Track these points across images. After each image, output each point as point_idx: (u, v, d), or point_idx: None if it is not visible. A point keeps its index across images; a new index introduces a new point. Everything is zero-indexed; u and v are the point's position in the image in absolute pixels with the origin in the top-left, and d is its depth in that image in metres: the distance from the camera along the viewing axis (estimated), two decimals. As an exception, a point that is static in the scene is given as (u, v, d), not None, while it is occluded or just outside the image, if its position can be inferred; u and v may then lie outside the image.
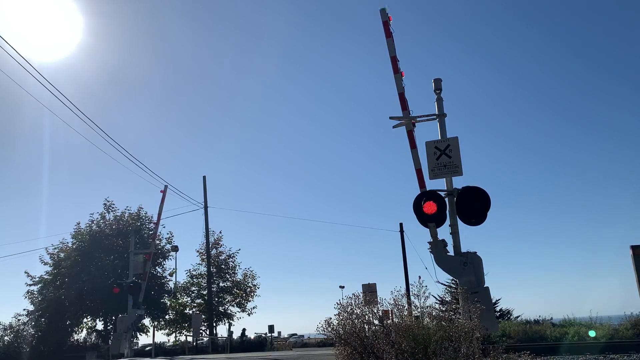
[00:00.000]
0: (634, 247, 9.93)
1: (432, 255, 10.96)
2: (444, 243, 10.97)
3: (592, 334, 20.90)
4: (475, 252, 11.00)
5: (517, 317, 34.45)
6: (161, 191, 29.71)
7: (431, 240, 10.96)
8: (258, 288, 42.14)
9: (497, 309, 39.63)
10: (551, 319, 28.18)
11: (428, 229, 11.32)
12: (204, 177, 39.77)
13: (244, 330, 41.88)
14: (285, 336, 56.06)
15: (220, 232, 42.36)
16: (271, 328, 43.06)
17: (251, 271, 42.16)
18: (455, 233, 11.03)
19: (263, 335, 41.98)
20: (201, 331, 37.65)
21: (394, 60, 11.29)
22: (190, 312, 39.80)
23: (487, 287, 10.68)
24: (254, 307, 41.84)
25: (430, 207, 10.98)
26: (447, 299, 11.09)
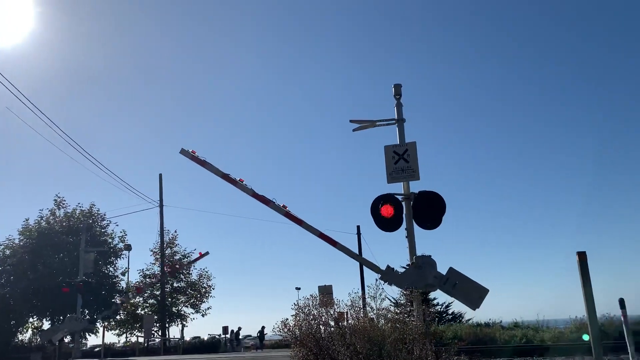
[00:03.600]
0: (579, 254, 10.36)
1: (389, 284, 11.25)
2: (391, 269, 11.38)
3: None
4: (430, 256, 11.23)
5: (469, 320, 35.16)
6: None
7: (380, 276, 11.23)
8: (213, 289, 41.67)
9: (449, 312, 40.44)
10: (501, 322, 28.95)
11: (385, 232, 11.52)
12: (160, 175, 39.11)
13: (239, 329, 41.54)
14: (240, 337, 55.54)
15: (176, 232, 41.64)
16: (225, 329, 42.60)
17: (206, 272, 41.61)
18: (410, 236, 11.23)
19: (217, 336, 41.48)
20: (153, 332, 36.89)
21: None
22: (142, 312, 38.95)
23: (451, 267, 10.96)
24: (208, 308, 41.35)
25: (387, 211, 11.15)
26: (402, 302, 11.20)
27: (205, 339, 40.90)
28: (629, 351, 9.46)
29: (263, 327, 40.94)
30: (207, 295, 41.33)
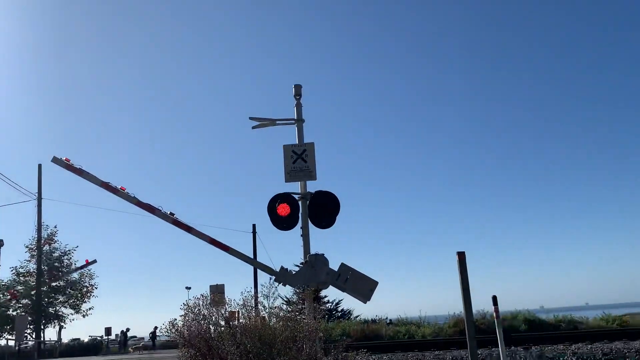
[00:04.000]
0: (459, 253, 11.00)
1: (284, 284, 11.25)
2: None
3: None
4: (323, 254, 11.43)
5: (357, 317, 36.38)
6: None
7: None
8: (96, 288, 39.34)
9: (339, 309, 41.55)
10: (387, 318, 30.23)
11: (282, 231, 11.55)
12: (39, 166, 36.13)
13: (127, 330, 39.21)
14: (127, 338, 52.94)
15: (56, 227, 38.74)
16: (108, 330, 40.39)
17: (89, 270, 39.19)
18: (305, 235, 11.37)
19: (98, 338, 39.20)
20: (26, 334, 34.01)
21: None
22: (14, 313, 35.80)
23: (342, 263, 11.19)
24: (90, 309, 38.99)
25: (283, 210, 11.21)
26: (294, 300, 11.29)
27: (86, 341, 38.52)
28: (499, 344, 10.26)
29: (155, 328, 39.46)
30: (88, 295, 38.94)
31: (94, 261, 34.79)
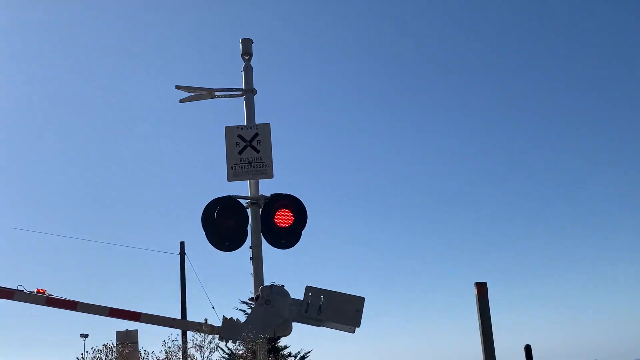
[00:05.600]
0: (479, 285, 8.00)
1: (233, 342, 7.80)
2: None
3: None
4: (283, 286, 8.07)
5: None
6: None
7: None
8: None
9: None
10: None
11: (223, 251, 8.20)
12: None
13: None
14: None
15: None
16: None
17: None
18: (257, 258, 8.02)
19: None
20: None
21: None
22: None
23: (307, 286, 7.87)
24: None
25: (226, 221, 7.92)
26: (240, 352, 8.47)
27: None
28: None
29: None
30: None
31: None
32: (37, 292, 7.92)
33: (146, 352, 7.60)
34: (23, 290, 7.79)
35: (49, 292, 8.11)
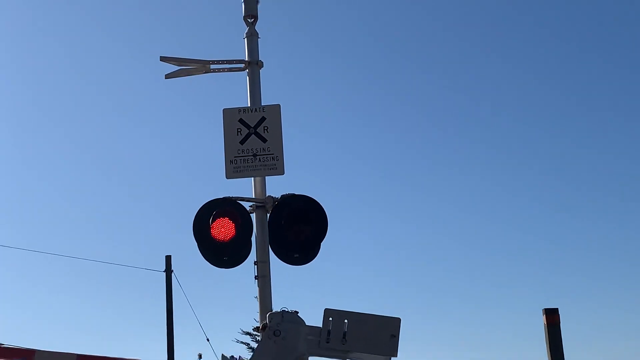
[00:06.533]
0: (548, 312, 6.48)
1: None
2: None
3: None
4: (297, 312, 6.53)
5: None
6: None
7: None
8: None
9: None
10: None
11: (219, 268, 6.78)
12: None
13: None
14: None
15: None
16: None
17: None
18: (264, 277, 6.51)
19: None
20: None
21: None
22: None
23: (326, 309, 6.33)
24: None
25: (224, 229, 6.43)
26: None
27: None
28: None
29: None
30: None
31: None
32: None
33: None
34: None
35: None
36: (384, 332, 6.31)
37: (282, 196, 6.55)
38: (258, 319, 6.77)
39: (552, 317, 6.40)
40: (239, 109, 6.39)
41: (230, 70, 6.57)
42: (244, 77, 6.55)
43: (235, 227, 6.30)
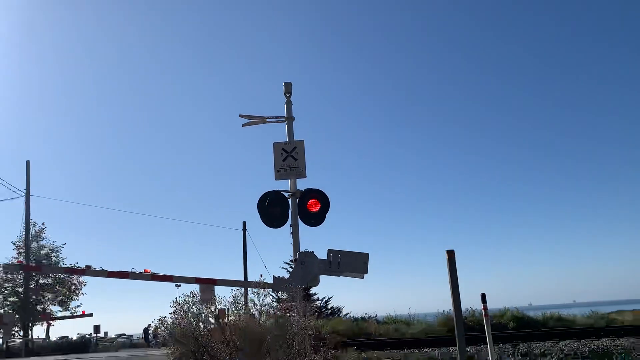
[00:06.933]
0: (448, 252, 11.02)
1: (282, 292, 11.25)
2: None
3: None
4: (313, 252, 11.43)
5: (347, 314, 36.32)
6: None
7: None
8: (84, 285, 39.05)
9: (329, 307, 41.48)
10: (376, 316, 30.19)
11: (272, 228, 11.57)
12: (27, 162, 35.82)
13: (148, 325, 38.81)
14: (113, 337, 52.70)
15: (43, 224, 38.43)
16: (97, 328, 40.14)
17: (77, 267, 38.87)
18: (295, 233, 11.36)
19: (87, 336, 38.93)
20: (14, 332, 33.74)
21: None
22: (2, 311, 35.48)
23: (329, 249, 11.19)
24: (78, 306, 38.74)
25: (274, 207, 11.23)
26: (284, 297, 11.21)
27: (74, 338, 38.26)
28: (487, 342, 10.32)
29: (149, 325, 39.23)
30: (77, 292, 38.67)
31: (90, 315, 35.12)
32: (145, 272, 11.81)
33: (220, 297, 11.02)
34: (135, 271, 11.65)
35: (152, 270, 12.00)
36: (360, 260, 11.16)
37: (305, 189, 11.39)
38: (292, 255, 11.61)
39: (451, 254, 10.88)
40: (282, 143, 11.26)
41: (277, 121, 11.52)
42: (284, 126, 11.48)
43: (280, 205, 11.24)
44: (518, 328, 22.44)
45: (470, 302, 22.36)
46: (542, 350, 14.25)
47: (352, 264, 10.69)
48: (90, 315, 35.70)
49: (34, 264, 36.36)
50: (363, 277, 10.91)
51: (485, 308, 10.68)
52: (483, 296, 10.97)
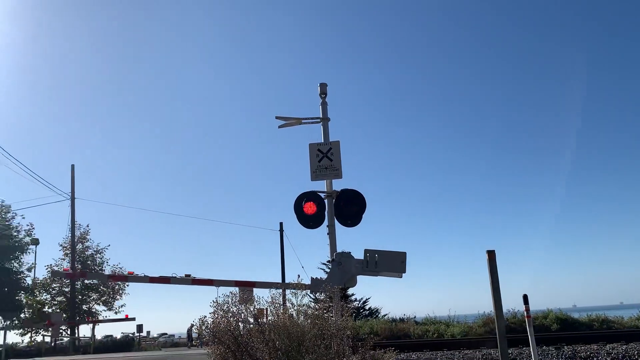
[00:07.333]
0: (489, 252, 10.86)
1: (320, 293, 11.25)
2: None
3: None
4: (350, 253, 11.41)
5: (384, 315, 36.19)
6: None
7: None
8: (127, 286, 40.13)
9: (367, 307, 41.42)
10: (414, 317, 29.96)
11: (308, 229, 11.60)
12: (72, 166, 37.05)
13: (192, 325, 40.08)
14: (155, 336, 53.95)
15: (88, 226, 39.73)
16: (139, 327, 41.15)
17: (120, 268, 39.97)
18: (332, 234, 11.37)
19: (130, 335, 39.97)
20: (61, 331, 34.94)
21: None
22: (50, 310, 36.81)
23: (365, 249, 11.12)
24: (121, 306, 39.86)
25: (310, 208, 11.25)
26: (321, 298, 11.27)
27: (119, 337, 39.33)
28: (530, 344, 10.10)
29: (192, 325, 40.08)
30: (120, 292, 39.76)
31: (133, 319, 36.20)
32: (185, 277, 11.99)
33: (258, 297, 11.16)
34: (176, 276, 11.87)
35: (192, 271, 12.23)
36: (397, 260, 11.05)
37: (341, 190, 11.39)
38: (329, 256, 11.64)
39: (491, 255, 10.73)
40: (317, 143, 11.30)
41: (312, 122, 11.56)
42: (320, 126, 11.52)
43: (316, 206, 11.26)
44: (561, 330, 21.95)
45: (511, 303, 22.04)
46: (589, 353, 13.85)
47: (389, 263, 10.60)
48: (133, 319, 36.73)
49: (79, 267, 37.53)
50: (401, 277, 10.81)
51: (527, 309, 10.48)
52: (525, 297, 10.79)
